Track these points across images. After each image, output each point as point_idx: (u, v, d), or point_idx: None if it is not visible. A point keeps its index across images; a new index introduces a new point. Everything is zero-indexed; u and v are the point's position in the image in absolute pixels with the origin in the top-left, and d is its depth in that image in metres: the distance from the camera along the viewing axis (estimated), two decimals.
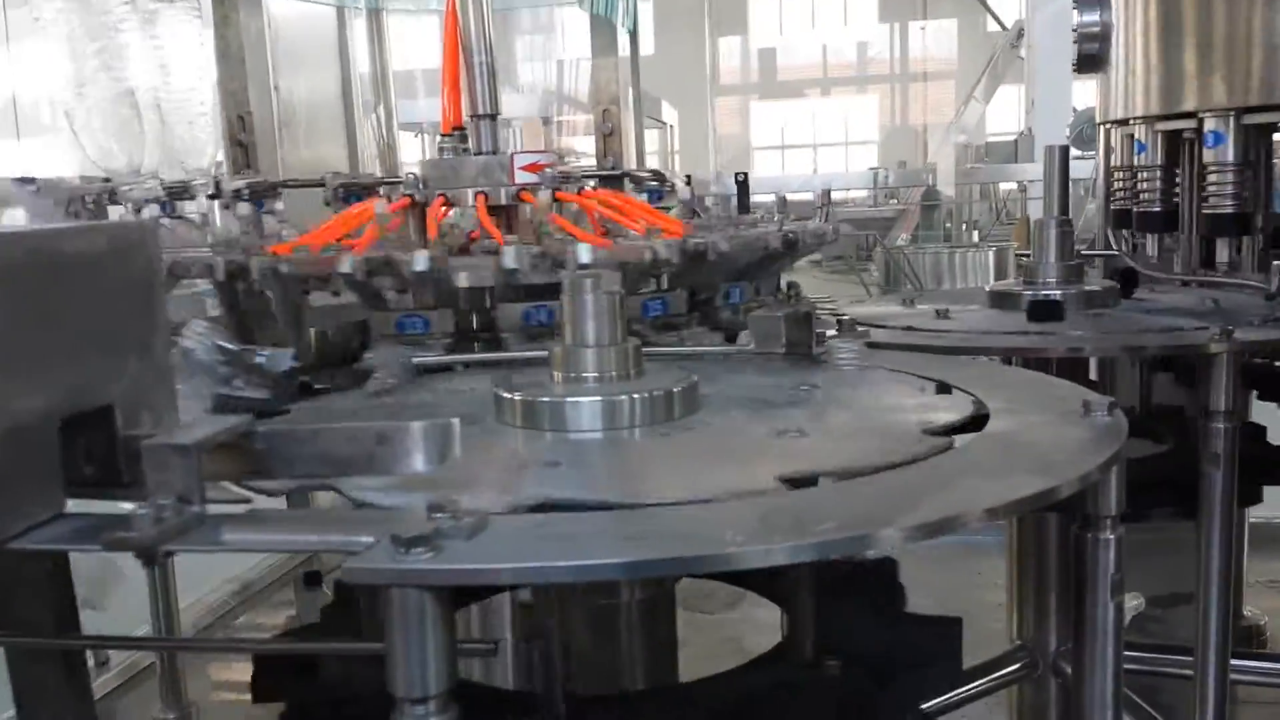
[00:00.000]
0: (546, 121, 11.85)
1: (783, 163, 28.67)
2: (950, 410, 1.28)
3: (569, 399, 1.28)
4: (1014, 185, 18.68)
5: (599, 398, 1.28)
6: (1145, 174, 2.71)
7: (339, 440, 1.02)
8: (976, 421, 1.26)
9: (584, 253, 1.76)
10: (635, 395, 1.28)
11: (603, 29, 3.38)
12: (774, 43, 28.64)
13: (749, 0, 27.87)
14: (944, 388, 1.45)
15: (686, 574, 1.02)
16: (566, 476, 1.10)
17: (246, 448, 1.03)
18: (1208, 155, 2.55)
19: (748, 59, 28.78)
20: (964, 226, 17.74)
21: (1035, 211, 16.76)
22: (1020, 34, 19.93)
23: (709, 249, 1.88)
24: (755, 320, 1.69)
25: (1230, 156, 2.51)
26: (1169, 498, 2.01)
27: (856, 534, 0.86)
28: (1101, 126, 2.90)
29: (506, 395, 1.31)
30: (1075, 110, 18.54)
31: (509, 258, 1.75)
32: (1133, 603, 3.31)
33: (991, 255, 11.24)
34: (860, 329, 1.93)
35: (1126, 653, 1.38)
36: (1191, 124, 2.56)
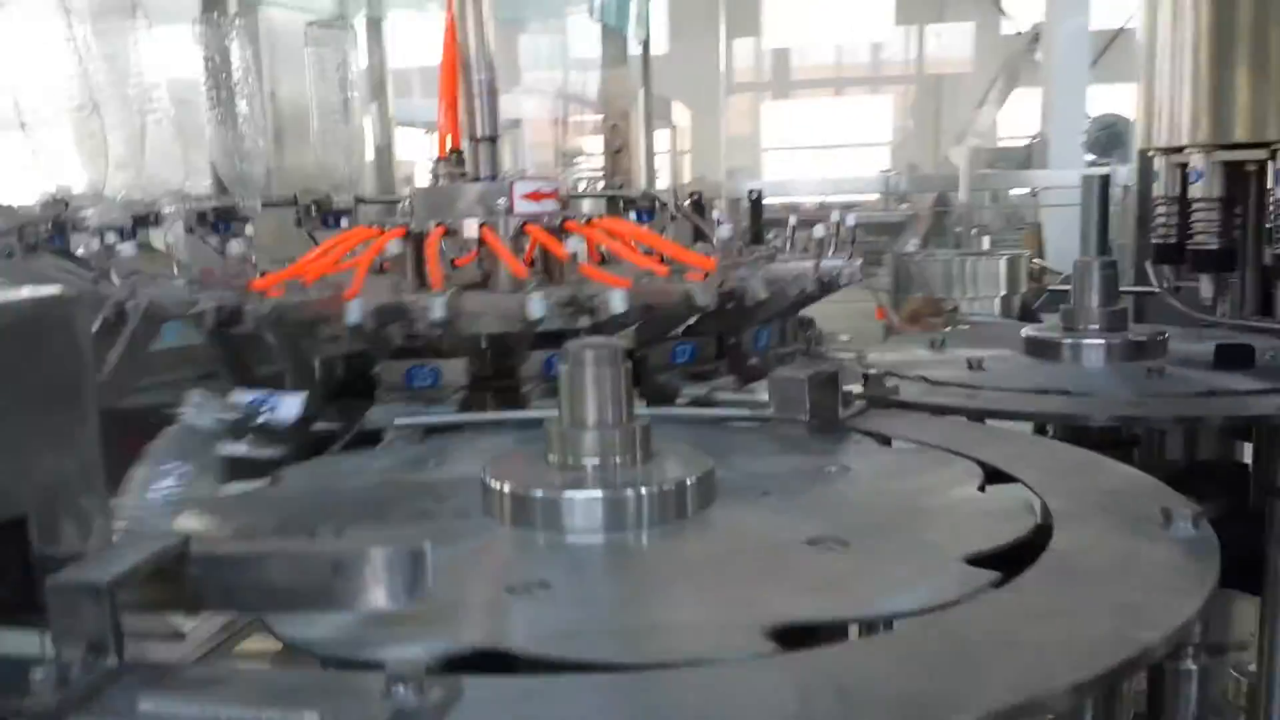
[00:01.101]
0: (556, 123, 11.68)
1: (793, 164, 28.45)
2: (1004, 516, 1.10)
3: (565, 494, 1.11)
4: (1025, 190, 18.49)
5: (599, 492, 1.11)
6: (1201, 207, 2.51)
7: (286, 569, 0.85)
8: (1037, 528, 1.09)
9: (616, 300, 1.61)
10: (643, 490, 1.11)
11: (614, 40, 3.21)
12: (787, 43, 28.41)
13: (762, 2, 27.63)
14: (993, 473, 1.28)
15: None
16: (556, 611, 0.94)
17: (177, 573, 0.87)
18: None
19: (760, 59, 28.54)
20: (974, 232, 17.52)
21: (1046, 218, 16.56)
22: (1036, 37, 19.74)
23: (746, 294, 1.72)
24: (777, 382, 1.52)
25: None
26: (1231, 572, 1.83)
27: None
28: (1148, 153, 2.71)
29: (495, 485, 1.14)
30: (1089, 116, 18.33)
31: (535, 306, 1.60)
32: None
33: (1003, 264, 11.00)
34: (888, 384, 1.77)
35: None
36: (1260, 155, 2.37)
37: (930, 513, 1.16)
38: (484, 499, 1.15)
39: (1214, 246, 2.50)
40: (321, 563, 0.85)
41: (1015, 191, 18.67)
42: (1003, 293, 10.71)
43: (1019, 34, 23.00)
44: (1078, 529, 1.06)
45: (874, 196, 20.05)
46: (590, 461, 1.15)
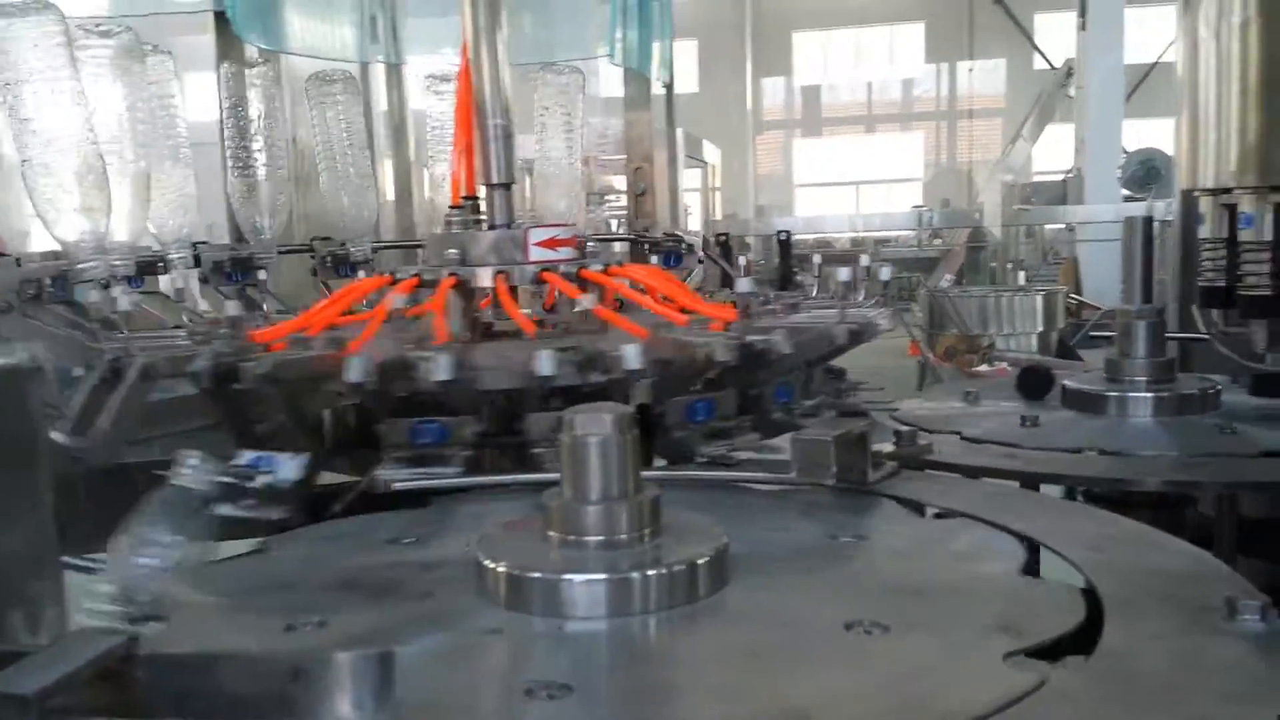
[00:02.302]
0: (585, 162, 11.66)
1: (825, 201, 28.42)
2: (1049, 605, 1.00)
3: (565, 576, 1.02)
4: (1061, 225, 18.32)
5: (603, 575, 1.02)
6: (1252, 250, 2.39)
7: (241, 675, 0.76)
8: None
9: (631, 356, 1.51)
10: (650, 573, 1.02)
11: (636, 83, 3.15)
12: (818, 80, 28.48)
13: (793, 39, 27.74)
14: (1028, 546, 1.18)
15: None
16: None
17: (124, 676, 0.78)
18: None
19: (791, 96, 28.62)
20: (1009, 267, 17.36)
21: (1083, 253, 16.35)
22: (1070, 73, 19.64)
23: (771, 349, 1.62)
24: (800, 444, 1.43)
25: None
26: None
27: None
28: (1193, 193, 2.59)
29: (489, 565, 1.05)
30: (1125, 151, 18.17)
31: (545, 363, 1.51)
32: None
33: (1040, 300, 10.82)
34: (921, 441, 1.66)
35: None
36: None
37: (965, 595, 1.06)
38: (478, 579, 1.06)
39: (1268, 292, 2.37)
40: (280, 669, 0.76)
41: (1051, 226, 18.52)
42: (1040, 329, 10.54)
43: (1052, 69, 22.92)
44: (1131, 620, 0.95)
45: (907, 232, 19.97)
46: (594, 539, 1.06)
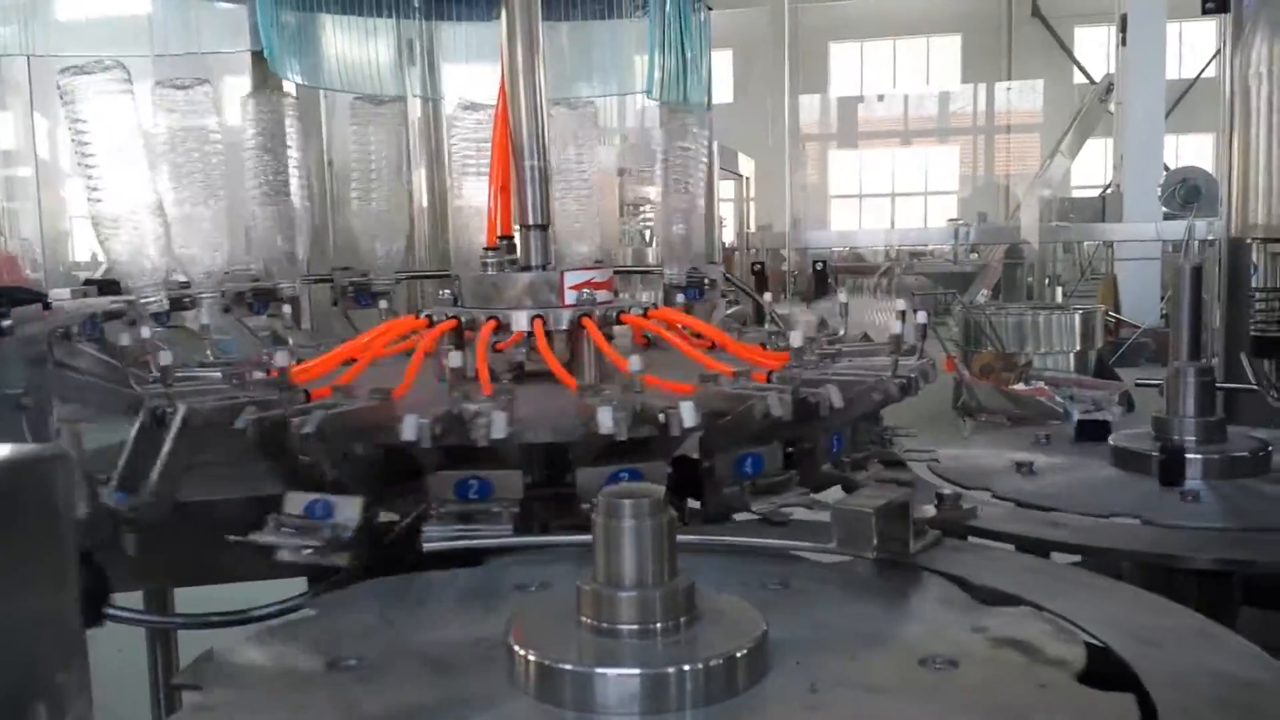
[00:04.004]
0: (622, 173, 11.72)
1: (860, 214, 28.32)
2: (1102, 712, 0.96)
3: (598, 669, 0.99)
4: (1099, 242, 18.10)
5: (637, 669, 0.99)
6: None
7: None
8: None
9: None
10: (686, 667, 0.99)
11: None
12: (854, 92, 28.39)
13: (830, 52, 27.67)
14: (1074, 628, 1.14)
15: None
16: None
17: None
18: None
19: (827, 109, 28.54)
20: (1046, 283, 17.17)
21: (1121, 271, 16.06)
22: (1109, 88, 19.42)
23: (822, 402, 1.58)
24: (840, 515, 1.39)
25: None
26: None
27: None
28: (1247, 241, 2.52)
29: (518, 650, 1.03)
30: (1166, 168, 17.88)
31: (605, 419, 1.46)
32: None
33: (1078, 319, 10.64)
34: (965, 505, 1.62)
35: None
36: None
37: (1017, 688, 1.02)
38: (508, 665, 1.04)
39: None
40: None
41: (1089, 243, 18.32)
42: (1077, 347, 10.37)
43: (1091, 84, 22.70)
44: None
45: (942, 247, 19.81)
46: (628, 627, 1.03)
